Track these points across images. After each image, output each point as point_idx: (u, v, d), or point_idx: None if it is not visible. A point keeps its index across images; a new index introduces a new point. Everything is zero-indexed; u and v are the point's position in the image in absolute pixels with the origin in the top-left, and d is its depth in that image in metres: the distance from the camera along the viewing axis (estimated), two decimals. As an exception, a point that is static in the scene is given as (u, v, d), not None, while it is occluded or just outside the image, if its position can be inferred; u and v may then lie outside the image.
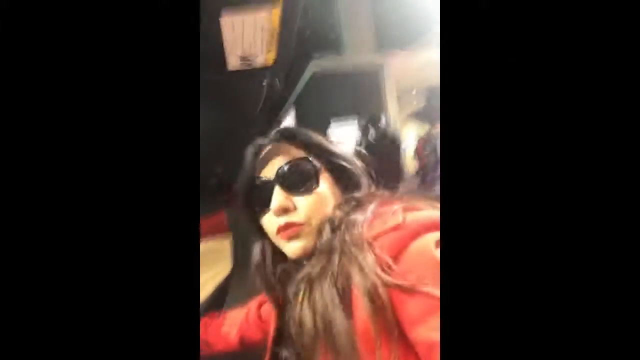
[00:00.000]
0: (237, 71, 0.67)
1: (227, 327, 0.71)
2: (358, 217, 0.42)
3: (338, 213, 0.45)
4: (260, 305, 0.66)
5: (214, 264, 1.20)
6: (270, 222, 0.47)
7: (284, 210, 0.45)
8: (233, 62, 0.65)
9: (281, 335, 0.51)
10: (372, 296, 0.36)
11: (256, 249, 0.54)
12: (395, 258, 0.36)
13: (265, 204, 0.47)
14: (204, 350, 0.72)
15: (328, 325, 0.38)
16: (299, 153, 0.49)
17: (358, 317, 0.37)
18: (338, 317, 0.38)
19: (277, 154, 0.49)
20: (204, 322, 0.75)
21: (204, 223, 1.22)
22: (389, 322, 0.35)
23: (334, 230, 0.43)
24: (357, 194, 0.47)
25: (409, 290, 0.34)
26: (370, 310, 0.35)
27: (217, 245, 1.24)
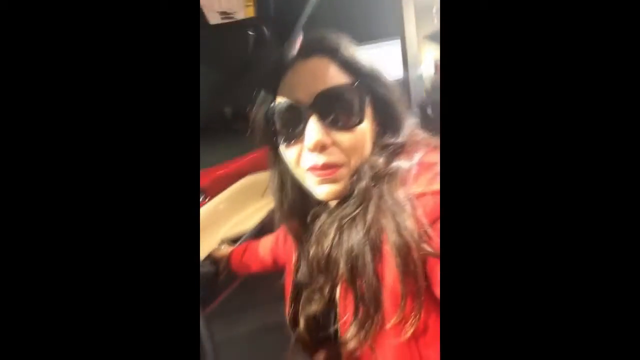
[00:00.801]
0: (221, 25, 0.63)
1: (262, 250, 0.74)
2: (401, 165, 0.38)
3: (380, 160, 0.39)
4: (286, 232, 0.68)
5: (262, 197, 1.25)
6: (298, 155, 0.41)
7: (322, 147, 0.38)
8: (213, 19, 0.60)
9: (300, 265, 0.50)
10: (405, 259, 0.34)
11: (274, 181, 0.49)
12: (434, 223, 0.33)
13: (293, 134, 0.40)
14: (241, 272, 0.80)
15: (356, 272, 0.37)
16: (341, 76, 0.40)
17: (388, 274, 0.36)
18: (368, 270, 0.36)
19: (315, 74, 0.39)
20: (241, 247, 0.81)
21: (247, 159, 1.25)
22: (419, 285, 0.34)
23: (374, 178, 0.38)
24: (400, 139, 0.40)
25: None
26: (401, 272, 0.34)
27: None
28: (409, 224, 0.34)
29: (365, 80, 0.41)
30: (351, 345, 0.38)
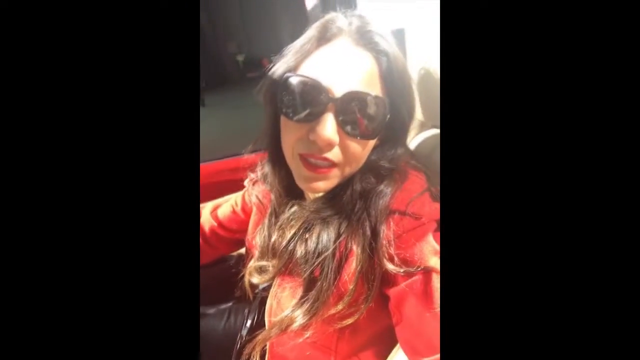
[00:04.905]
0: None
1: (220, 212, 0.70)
2: (388, 189, 0.39)
3: (372, 179, 0.40)
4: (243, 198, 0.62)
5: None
6: (299, 137, 0.38)
7: (329, 146, 0.37)
8: None
9: (257, 240, 0.49)
10: (365, 269, 0.37)
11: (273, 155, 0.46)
12: (404, 250, 0.36)
13: (303, 114, 0.37)
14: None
15: (316, 269, 0.39)
16: (377, 85, 0.37)
17: (345, 272, 0.38)
18: (327, 270, 0.38)
19: (354, 68, 0.37)
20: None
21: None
22: (371, 288, 0.37)
23: (361, 194, 0.39)
24: (394, 165, 0.41)
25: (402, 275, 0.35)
26: (358, 277, 0.37)
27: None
28: (378, 242, 0.37)
29: (396, 99, 0.39)
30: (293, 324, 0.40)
